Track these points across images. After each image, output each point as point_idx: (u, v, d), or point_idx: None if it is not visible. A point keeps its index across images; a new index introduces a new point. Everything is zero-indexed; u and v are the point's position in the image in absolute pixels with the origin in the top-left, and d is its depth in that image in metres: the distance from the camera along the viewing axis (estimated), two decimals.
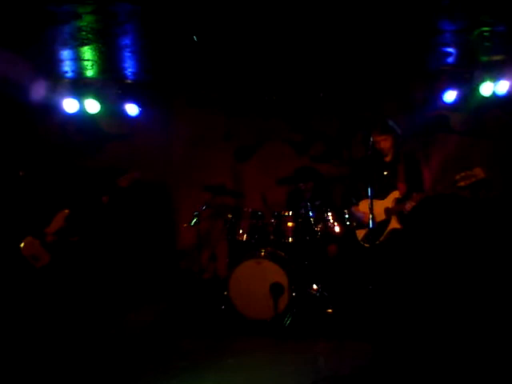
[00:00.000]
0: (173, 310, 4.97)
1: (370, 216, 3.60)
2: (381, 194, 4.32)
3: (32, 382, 3.34)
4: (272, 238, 4.89)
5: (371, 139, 3.99)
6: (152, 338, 4.20)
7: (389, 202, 4.33)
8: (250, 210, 5.00)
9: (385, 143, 4.35)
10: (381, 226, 4.27)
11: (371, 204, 3.59)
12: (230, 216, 5.01)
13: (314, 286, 4.90)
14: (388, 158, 4.46)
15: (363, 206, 4.46)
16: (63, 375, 3.39)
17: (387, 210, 4.32)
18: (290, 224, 4.90)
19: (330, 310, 4.65)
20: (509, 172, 5.30)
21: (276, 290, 4.41)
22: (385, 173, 4.44)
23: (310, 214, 4.89)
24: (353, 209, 4.62)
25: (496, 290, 4.59)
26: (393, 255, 4.22)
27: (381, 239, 4.28)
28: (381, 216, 4.29)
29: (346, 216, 4.65)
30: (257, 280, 4.48)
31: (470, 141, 5.51)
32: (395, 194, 4.32)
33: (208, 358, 3.73)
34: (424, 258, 4.77)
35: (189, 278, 5.78)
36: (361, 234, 4.51)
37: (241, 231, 4.92)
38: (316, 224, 4.86)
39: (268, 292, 4.42)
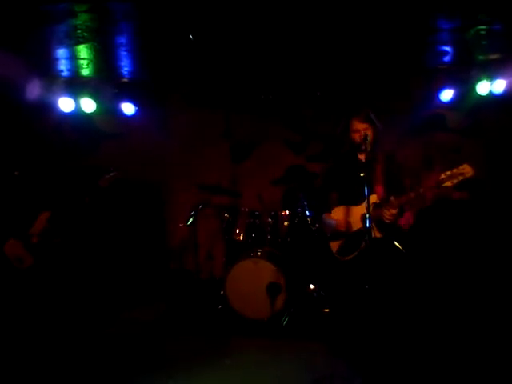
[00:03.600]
0: (170, 309, 4.95)
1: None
2: (356, 199, 3.63)
3: (30, 383, 3.32)
4: (269, 237, 4.88)
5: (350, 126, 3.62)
6: (149, 338, 4.18)
7: (365, 207, 3.58)
8: (246, 209, 5.00)
9: (368, 132, 3.57)
10: (357, 236, 3.60)
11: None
12: (226, 215, 5.01)
13: (311, 286, 4.90)
14: (364, 158, 3.67)
15: (336, 212, 3.79)
16: (62, 375, 3.38)
17: (364, 218, 3.52)
18: (286, 223, 4.90)
19: (326, 310, 4.65)
20: (504, 171, 5.31)
21: (273, 289, 4.41)
22: (361, 174, 3.47)
23: (307, 213, 4.88)
24: (324, 216, 3.89)
25: (488, 296, 4.59)
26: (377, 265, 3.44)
27: (358, 251, 3.60)
28: (357, 224, 3.64)
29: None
30: (254, 279, 4.47)
31: (466, 140, 5.52)
32: (372, 199, 3.54)
33: (205, 357, 3.72)
34: (417, 266, 4.58)
35: (185, 277, 5.76)
36: (335, 246, 3.80)
37: (237, 231, 4.92)
38: (313, 223, 4.85)
39: (265, 291, 4.42)
